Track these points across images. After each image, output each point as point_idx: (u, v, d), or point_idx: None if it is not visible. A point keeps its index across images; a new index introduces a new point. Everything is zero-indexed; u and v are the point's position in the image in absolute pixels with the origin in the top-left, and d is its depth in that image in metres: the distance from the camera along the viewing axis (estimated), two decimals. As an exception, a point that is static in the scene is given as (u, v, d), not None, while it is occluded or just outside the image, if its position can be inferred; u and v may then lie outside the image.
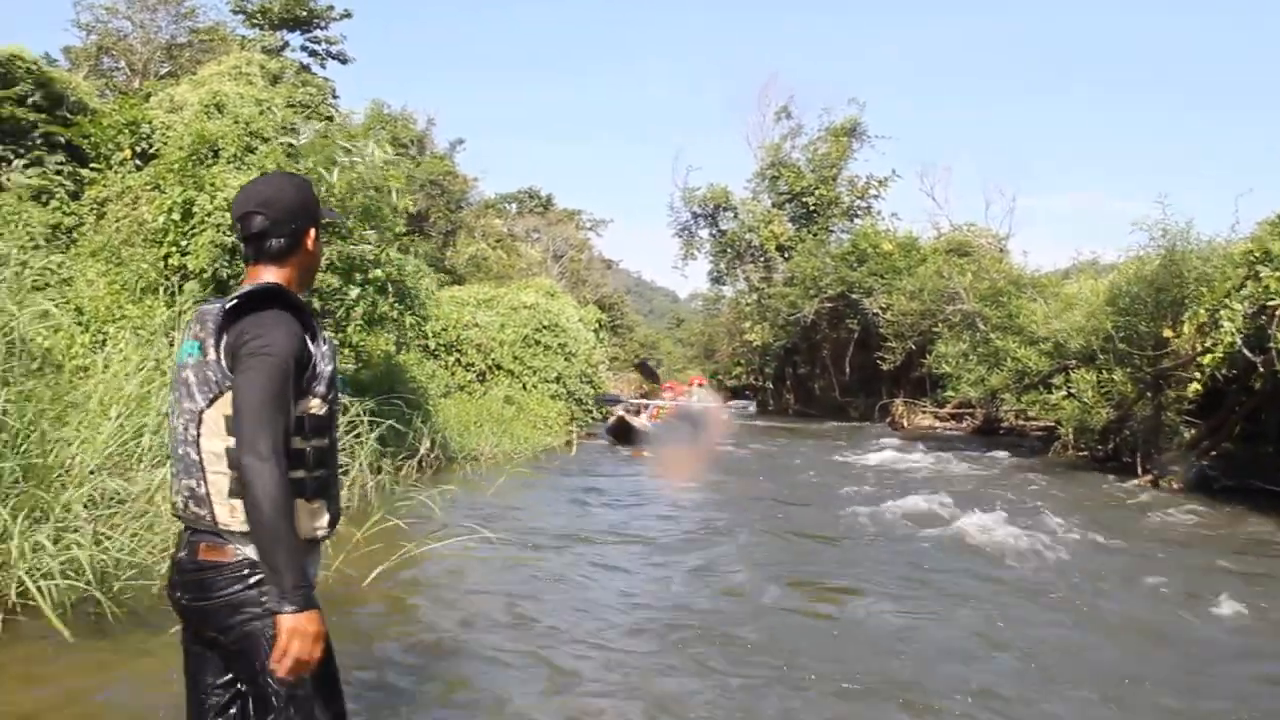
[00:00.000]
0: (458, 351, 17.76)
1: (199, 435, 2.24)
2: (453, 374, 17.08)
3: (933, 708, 4.59)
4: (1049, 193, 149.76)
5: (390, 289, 11.04)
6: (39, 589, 4.48)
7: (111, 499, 5.43)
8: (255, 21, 28.63)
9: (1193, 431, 14.10)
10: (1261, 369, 11.88)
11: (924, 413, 27.28)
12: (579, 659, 5.15)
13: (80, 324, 9.26)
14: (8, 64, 13.83)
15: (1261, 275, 12.06)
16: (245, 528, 2.18)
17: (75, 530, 4.90)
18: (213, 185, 10.32)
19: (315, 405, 2.30)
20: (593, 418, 19.40)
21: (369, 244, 10.62)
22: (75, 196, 13.02)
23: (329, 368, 2.34)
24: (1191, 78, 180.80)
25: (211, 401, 2.23)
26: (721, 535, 9.14)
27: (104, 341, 8.41)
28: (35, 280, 9.20)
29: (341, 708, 2.36)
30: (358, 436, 8.32)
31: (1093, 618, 6.43)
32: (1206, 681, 5.27)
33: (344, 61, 30.27)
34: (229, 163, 10.85)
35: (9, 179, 12.98)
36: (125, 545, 5.10)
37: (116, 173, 12.94)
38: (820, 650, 5.49)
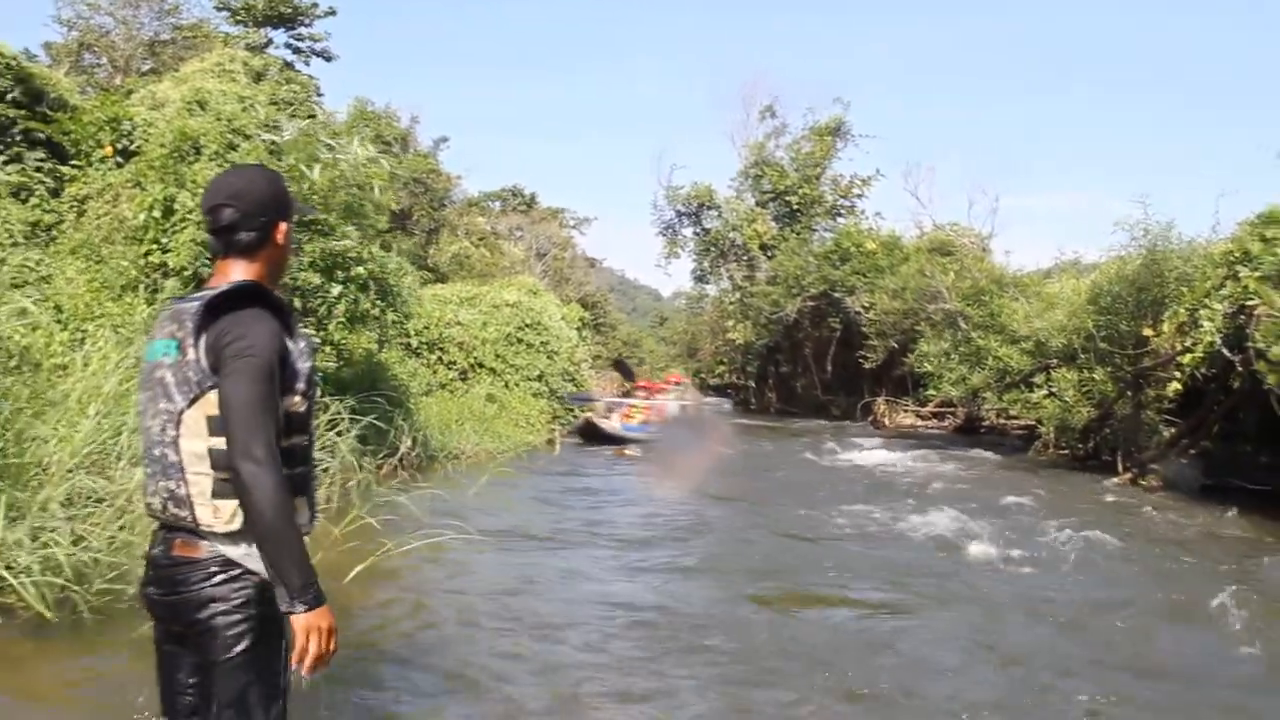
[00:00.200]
0: (440, 349, 17.68)
1: (178, 436, 2.22)
2: (434, 372, 17.01)
3: (913, 706, 4.62)
4: (1048, 192, 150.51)
5: (372, 286, 11.00)
6: (16, 585, 4.45)
7: (89, 498, 5.39)
8: (239, 18, 28.43)
9: (1172, 430, 14.19)
10: (1240, 368, 11.96)
11: (906, 412, 27.32)
12: (560, 656, 5.17)
13: (59, 322, 9.15)
14: (-14, 59, 13.70)
15: (1241, 275, 12.17)
16: (228, 528, 2.18)
17: (53, 530, 4.86)
18: (194, 182, 10.23)
19: (295, 403, 2.29)
20: (574, 416, 19.36)
21: (351, 241, 10.58)
22: (55, 194, 12.89)
23: (307, 364, 2.33)
24: (1191, 78, 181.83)
25: (192, 401, 2.21)
26: (703, 535, 9.17)
27: (83, 339, 8.33)
28: (14, 278, 9.14)
29: (282, 710, 2.31)
30: (339, 434, 8.28)
31: (1072, 617, 6.48)
32: (1188, 681, 5.31)
33: (328, 59, 30.13)
34: (211, 160, 10.76)
35: (-12, 175, 12.85)
36: (103, 545, 5.06)
37: (97, 170, 12.85)
38: (800, 650, 5.51)
